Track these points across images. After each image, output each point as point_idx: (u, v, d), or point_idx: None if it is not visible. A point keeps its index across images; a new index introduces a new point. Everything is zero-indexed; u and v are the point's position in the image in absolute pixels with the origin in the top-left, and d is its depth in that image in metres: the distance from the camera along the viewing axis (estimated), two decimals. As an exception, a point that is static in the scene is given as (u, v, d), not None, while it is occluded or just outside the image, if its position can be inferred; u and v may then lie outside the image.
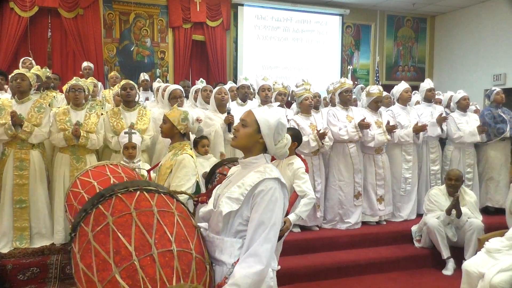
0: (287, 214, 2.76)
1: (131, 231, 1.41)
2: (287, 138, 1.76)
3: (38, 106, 3.85)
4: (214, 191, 1.79)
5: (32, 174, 3.78)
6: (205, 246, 1.62)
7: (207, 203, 1.82)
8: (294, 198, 2.96)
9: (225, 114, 4.14)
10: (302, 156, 3.22)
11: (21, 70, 3.96)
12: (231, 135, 4.10)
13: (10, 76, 3.95)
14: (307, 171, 3.04)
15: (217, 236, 1.65)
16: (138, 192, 1.56)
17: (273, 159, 3.06)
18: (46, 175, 3.91)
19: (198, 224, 1.72)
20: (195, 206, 1.86)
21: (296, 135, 3.07)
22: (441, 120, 4.90)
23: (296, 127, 4.08)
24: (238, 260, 1.56)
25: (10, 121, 3.61)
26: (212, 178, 2.69)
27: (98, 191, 2.06)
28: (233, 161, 2.70)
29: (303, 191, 2.91)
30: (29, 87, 3.87)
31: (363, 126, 4.35)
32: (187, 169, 2.51)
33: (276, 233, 1.58)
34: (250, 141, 1.71)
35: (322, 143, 4.22)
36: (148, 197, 1.56)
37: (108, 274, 1.34)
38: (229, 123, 4.07)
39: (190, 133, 2.88)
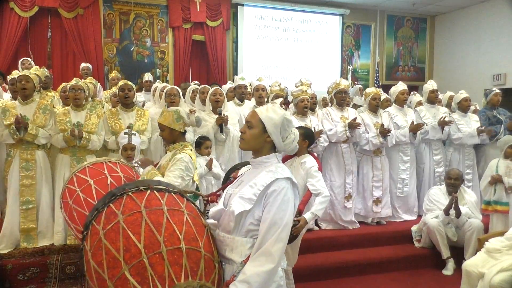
0: (300, 213, 2.76)
1: (140, 229, 1.43)
2: (295, 133, 1.76)
3: (43, 107, 3.86)
4: (225, 191, 1.79)
5: (38, 174, 3.79)
6: (215, 245, 1.64)
7: (217, 202, 1.82)
8: (308, 196, 2.93)
9: None
10: (316, 154, 3.19)
11: (24, 71, 3.95)
12: (223, 136, 4.11)
13: (11, 78, 3.95)
14: (320, 169, 3.03)
15: (227, 235, 1.65)
16: (149, 191, 1.59)
17: (286, 159, 3.06)
18: (51, 175, 3.92)
19: (207, 220, 1.73)
20: (205, 206, 1.87)
21: (307, 134, 3.07)
22: (443, 123, 4.88)
23: None
24: (247, 258, 1.56)
25: (14, 126, 3.60)
26: (228, 183, 2.69)
27: (94, 191, 2.08)
28: (247, 164, 2.71)
29: (317, 189, 2.90)
30: (34, 89, 3.88)
31: (353, 126, 4.34)
32: (180, 170, 2.49)
33: (288, 233, 1.59)
34: (258, 142, 1.71)
35: (316, 143, 4.22)
36: (159, 196, 1.58)
37: (118, 272, 1.36)
38: (220, 124, 4.07)
39: (190, 126, 2.85)
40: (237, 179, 1.81)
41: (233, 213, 1.60)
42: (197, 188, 2.73)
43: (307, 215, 2.77)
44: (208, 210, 1.82)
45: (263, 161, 1.72)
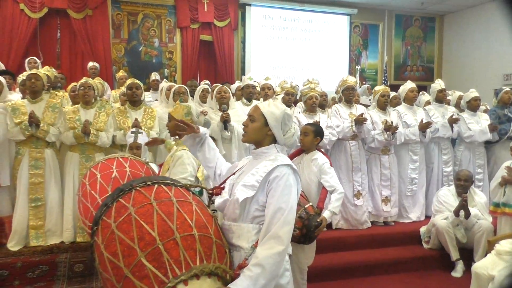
0: (321, 211, 2.77)
1: (153, 219, 1.47)
2: (294, 128, 1.86)
3: (52, 106, 3.92)
4: (227, 182, 1.84)
5: (47, 172, 3.84)
6: (223, 233, 1.68)
7: (221, 195, 1.84)
8: (325, 194, 2.92)
9: None
10: (323, 150, 3.20)
11: (34, 70, 4.01)
12: (227, 133, 4.12)
13: (20, 78, 4.00)
14: (331, 165, 3.03)
15: (234, 223, 1.71)
16: (156, 185, 1.63)
17: (294, 156, 3.07)
18: (59, 173, 3.96)
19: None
20: (210, 199, 1.90)
21: (319, 131, 3.07)
22: (452, 121, 4.85)
23: (297, 124, 4.05)
24: (257, 242, 1.61)
25: (27, 121, 3.65)
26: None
27: (98, 184, 2.12)
28: None
29: (332, 185, 2.91)
30: (43, 87, 3.94)
31: (359, 121, 4.34)
32: (183, 166, 2.52)
33: (293, 215, 1.64)
34: (260, 135, 1.80)
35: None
36: (166, 189, 1.62)
37: (134, 259, 1.39)
38: (224, 121, 4.08)
39: None
40: (239, 170, 1.86)
41: (237, 200, 1.65)
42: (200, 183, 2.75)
43: (326, 214, 2.78)
44: (213, 203, 1.85)
45: (263, 152, 1.79)
